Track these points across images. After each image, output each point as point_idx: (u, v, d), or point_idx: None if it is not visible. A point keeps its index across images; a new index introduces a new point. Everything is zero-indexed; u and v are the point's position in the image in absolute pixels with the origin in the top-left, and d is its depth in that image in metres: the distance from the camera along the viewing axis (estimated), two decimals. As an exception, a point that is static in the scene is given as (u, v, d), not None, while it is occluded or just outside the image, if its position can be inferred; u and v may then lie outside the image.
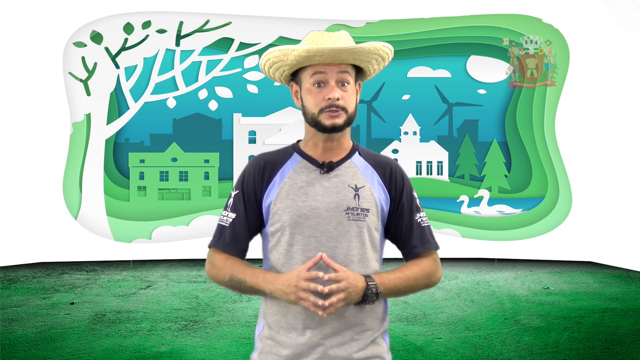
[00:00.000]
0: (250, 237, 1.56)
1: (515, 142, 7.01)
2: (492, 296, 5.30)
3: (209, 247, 1.56)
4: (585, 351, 3.78)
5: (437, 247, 1.57)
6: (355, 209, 1.48)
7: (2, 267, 6.55)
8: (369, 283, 1.41)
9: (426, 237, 1.56)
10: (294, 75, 1.53)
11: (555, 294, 5.40)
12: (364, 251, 1.49)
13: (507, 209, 6.97)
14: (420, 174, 7.08)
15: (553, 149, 6.91)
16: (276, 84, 6.91)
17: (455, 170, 7.08)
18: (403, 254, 1.59)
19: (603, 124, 6.67)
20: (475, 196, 7.01)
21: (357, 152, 1.57)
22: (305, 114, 1.50)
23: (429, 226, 1.59)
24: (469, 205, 7.01)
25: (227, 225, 1.54)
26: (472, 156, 7.07)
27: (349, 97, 1.47)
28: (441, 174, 7.10)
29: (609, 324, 4.38)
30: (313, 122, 1.48)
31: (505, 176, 7.02)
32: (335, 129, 1.47)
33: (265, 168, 1.53)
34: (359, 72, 1.54)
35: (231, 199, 1.56)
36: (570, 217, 6.81)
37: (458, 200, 7.02)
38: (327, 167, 1.51)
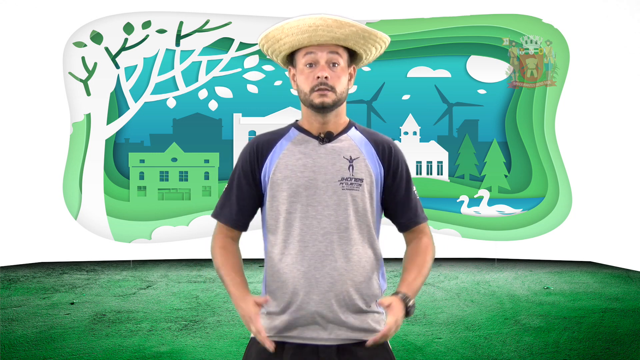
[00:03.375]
0: (253, 211, 1.66)
1: (515, 142, 7.01)
2: (492, 296, 5.30)
3: (215, 218, 1.67)
4: (585, 351, 3.78)
5: (427, 219, 1.72)
6: (349, 179, 1.57)
7: (2, 267, 6.55)
8: (407, 305, 1.52)
9: (421, 209, 1.70)
10: (291, 58, 1.61)
11: (555, 294, 5.40)
12: (359, 218, 1.58)
13: (507, 209, 6.97)
14: (420, 174, 7.08)
15: (553, 149, 6.90)
16: (276, 83, 6.95)
17: (455, 170, 7.08)
18: (400, 224, 1.68)
19: (603, 124, 6.66)
20: (475, 196, 7.01)
21: (353, 127, 1.66)
22: (299, 93, 1.59)
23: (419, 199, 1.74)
24: (469, 205, 7.01)
25: (231, 199, 1.64)
26: (472, 156, 7.07)
27: (338, 77, 1.55)
28: (441, 174, 7.10)
29: (609, 324, 4.38)
30: (306, 102, 1.57)
31: (505, 176, 7.02)
32: (325, 107, 1.55)
33: (263, 143, 1.63)
34: (354, 56, 1.62)
35: (234, 175, 1.65)
36: (570, 217, 6.81)
37: (458, 200, 7.02)
38: (326, 137, 1.60)
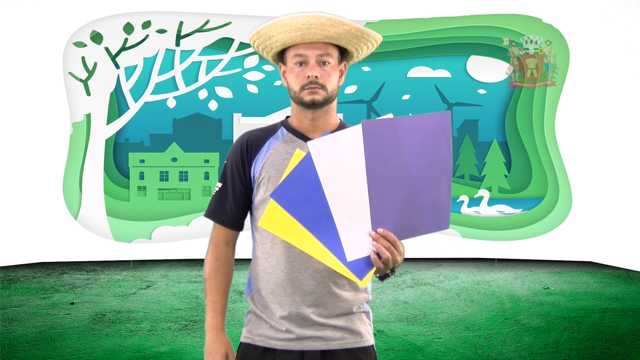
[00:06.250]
0: (247, 209, 1.65)
1: (515, 142, 7.01)
2: (492, 296, 5.30)
3: (210, 218, 1.65)
4: (585, 351, 3.78)
5: None
6: None
7: (2, 267, 6.55)
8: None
9: None
10: (282, 55, 1.61)
11: (555, 294, 5.40)
12: None
13: (507, 209, 6.97)
14: (420, 174, 7.07)
15: (553, 149, 6.90)
16: (276, 83, 6.94)
17: (455, 170, 7.07)
18: None
19: (603, 124, 6.66)
20: (475, 196, 7.01)
21: (343, 128, 1.64)
22: (289, 91, 1.59)
23: None
24: (469, 205, 7.01)
25: (227, 198, 1.63)
26: (472, 156, 7.07)
27: (329, 75, 1.54)
28: (441, 174, 7.09)
29: (609, 324, 4.38)
30: (296, 100, 1.56)
31: (505, 176, 7.02)
32: (315, 105, 1.54)
33: (254, 139, 1.62)
34: (345, 53, 1.61)
35: (226, 173, 1.64)
36: (570, 217, 6.81)
37: (458, 200, 7.01)
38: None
